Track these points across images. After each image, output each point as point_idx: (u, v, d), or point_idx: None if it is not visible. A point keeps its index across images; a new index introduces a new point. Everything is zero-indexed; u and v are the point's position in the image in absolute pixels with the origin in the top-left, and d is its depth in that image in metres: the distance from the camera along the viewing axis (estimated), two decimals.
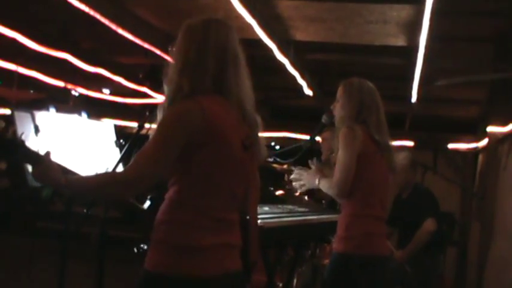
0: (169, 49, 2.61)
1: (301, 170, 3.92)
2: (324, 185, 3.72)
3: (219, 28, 2.58)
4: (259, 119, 2.65)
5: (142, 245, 2.76)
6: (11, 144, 2.36)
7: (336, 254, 3.66)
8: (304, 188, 3.99)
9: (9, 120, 3.47)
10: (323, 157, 5.62)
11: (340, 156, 3.53)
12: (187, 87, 2.43)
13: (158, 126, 2.41)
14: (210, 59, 2.49)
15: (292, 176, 3.99)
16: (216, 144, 2.41)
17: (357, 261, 3.57)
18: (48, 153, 2.41)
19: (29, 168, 2.90)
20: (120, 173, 2.36)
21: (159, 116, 2.50)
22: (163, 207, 2.47)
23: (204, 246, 2.39)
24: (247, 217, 2.68)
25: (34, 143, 2.43)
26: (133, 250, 2.82)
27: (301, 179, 3.92)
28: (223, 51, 2.53)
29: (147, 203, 2.83)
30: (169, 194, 2.47)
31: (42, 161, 2.37)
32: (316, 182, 3.77)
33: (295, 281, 5.45)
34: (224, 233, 2.47)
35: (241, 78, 2.57)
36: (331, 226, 3.91)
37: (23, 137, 2.41)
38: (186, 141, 2.37)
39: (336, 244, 3.68)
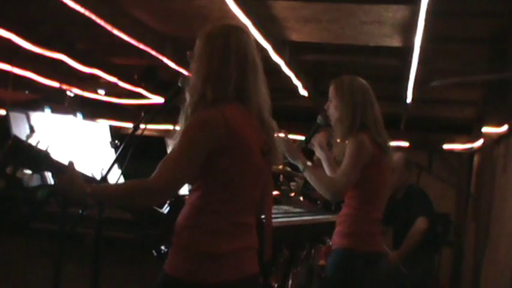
0: (188, 55, 2.60)
1: (289, 139, 3.74)
2: (314, 177, 3.65)
3: (239, 35, 2.60)
4: (275, 125, 2.68)
5: (162, 248, 2.77)
6: (37, 155, 2.39)
7: (341, 249, 3.68)
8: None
9: (4, 121, 3.47)
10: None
11: (346, 164, 3.56)
12: (211, 95, 2.46)
13: (183, 135, 2.42)
14: (233, 67, 2.51)
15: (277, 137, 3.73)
16: (237, 151, 2.45)
17: (361, 256, 3.63)
18: (71, 163, 2.43)
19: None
20: (148, 182, 2.36)
21: (181, 122, 2.52)
22: (185, 212, 2.50)
23: (225, 252, 2.43)
24: (263, 219, 2.74)
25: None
26: (152, 253, 2.82)
27: (284, 145, 3.54)
28: (244, 59, 2.55)
29: (166, 207, 2.84)
30: (191, 199, 2.50)
31: (66, 172, 2.41)
32: (300, 163, 3.66)
33: (290, 281, 5.45)
34: (244, 237, 2.52)
35: (259, 85, 2.60)
36: (327, 227, 3.92)
37: (48, 148, 2.43)
38: (210, 148, 2.39)
39: (339, 240, 3.70)
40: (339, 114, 3.72)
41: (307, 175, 3.69)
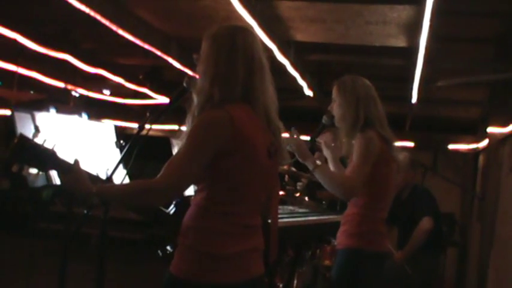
0: (194, 57, 2.61)
1: (299, 139, 3.66)
2: (325, 177, 3.56)
3: (245, 35, 2.60)
4: (281, 125, 2.68)
5: (168, 248, 2.78)
6: (43, 154, 2.40)
7: (347, 249, 3.69)
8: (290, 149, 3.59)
9: (10, 121, 3.47)
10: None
11: (357, 162, 3.54)
12: (218, 96, 2.46)
13: (189, 135, 2.43)
14: (240, 67, 2.51)
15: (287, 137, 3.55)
16: (243, 152, 2.44)
17: (368, 256, 3.64)
18: (77, 162, 2.45)
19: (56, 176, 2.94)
20: (154, 182, 2.37)
21: (188, 123, 2.52)
22: (190, 212, 2.50)
23: (231, 254, 2.42)
24: (269, 220, 2.74)
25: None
26: (158, 253, 2.83)
27: (293, 143, 3.60)
28: (250, 59, 2.55)
29: (172, 208, 2.85)
30: (196, 200, 2.50)
31: (72, 170, 2.42)
32: (310, 162, 3.58)
33: (295, 281, 5.45)
34: (249, 239, 2.52)
35: (266, 85, 2.60)
36: (332, 227, 3.91)
37: (55, 147, 2.45)
38: (216, 149, 2.39)
39: (345, 240, 3.71)
40: (342, 112, 3.72)
41: (317, 175, 3.60)
